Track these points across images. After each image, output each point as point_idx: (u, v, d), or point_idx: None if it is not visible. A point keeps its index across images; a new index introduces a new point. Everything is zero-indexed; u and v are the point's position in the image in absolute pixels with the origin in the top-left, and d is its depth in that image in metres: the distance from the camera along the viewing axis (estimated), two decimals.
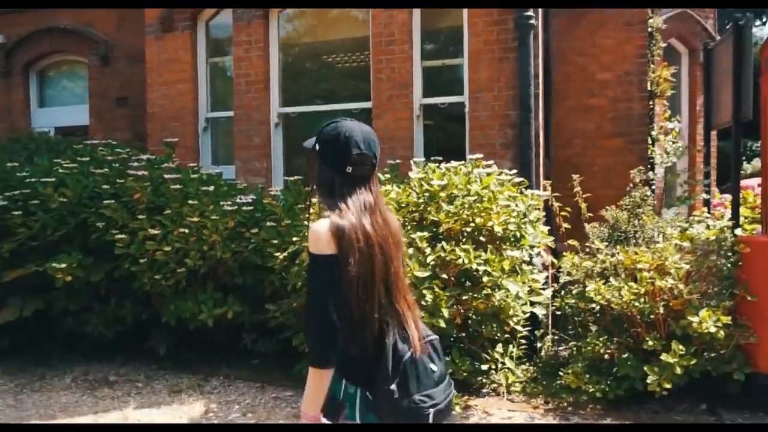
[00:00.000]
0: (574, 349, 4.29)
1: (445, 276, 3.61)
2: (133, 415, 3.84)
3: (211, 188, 4.33)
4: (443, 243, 3.57)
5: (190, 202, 4.17)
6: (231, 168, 5.83)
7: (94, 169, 4.67)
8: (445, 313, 3.47)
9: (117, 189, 4.46)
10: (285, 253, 4.01)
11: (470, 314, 3.83)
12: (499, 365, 4.12)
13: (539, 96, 4.85)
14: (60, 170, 4.56)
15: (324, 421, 1.64)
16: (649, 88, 5.59)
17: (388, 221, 1.74)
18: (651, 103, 5.62)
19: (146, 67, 6.18)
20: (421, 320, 1.80)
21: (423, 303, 3.50)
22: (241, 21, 5.63)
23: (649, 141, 5.63)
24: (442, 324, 3.48)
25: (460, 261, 3.56)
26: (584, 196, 4.75)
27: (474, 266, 3.54)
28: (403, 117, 5.16)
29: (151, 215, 4.30)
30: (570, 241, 4.57)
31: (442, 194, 3.79)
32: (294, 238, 3.97)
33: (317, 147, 1.69)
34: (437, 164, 4.15)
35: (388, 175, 4.24)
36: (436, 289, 3.50)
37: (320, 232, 1.60)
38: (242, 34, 5.64)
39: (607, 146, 5.65)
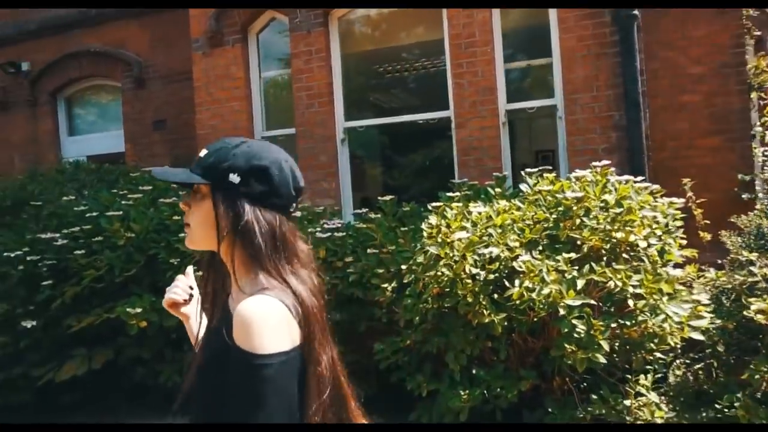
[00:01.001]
0: (711, 375, 3.81)
1: (593, 302, 3.12)
2: None
3: (297, 214, 3.84)
4: (592, 264, 3.08)
5: None
6: None
7: (157, 198, 4.20)
8: (605, 345, 2.97)
9: None
10: (393, 284, 3.53)
11: (615, 344, 3.34)
12: (633, 398, 3.62)
13: (646, 93, 4.39)
14: (123, 202, 4.08)
15: None
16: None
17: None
18: (750, 96, 5.16)
19: (194, 86, 5.73)
20: None
21: (575, 335, 3.01)
22: (299, 30, 5.19)
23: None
24: (601, 359, 2.98)
25: (611, 284, 3.07)
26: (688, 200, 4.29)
27: (630, 289, 3.05)
28: (489, 125, 4.69)
29: None
30: (686, 252, 4.09)
31: (577, 208, 3.31)
32: (402, 266, 3.48)
33: (236, 178, 1.12)
34: (554, 175, 3.68)
35: (498, 189, 3.76)
36: (591, 319, 3.01)
37: (273, 317, 1.03)
38: (301, 44, 5.19)
39: (705, 146, 5.17)
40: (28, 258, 3.96)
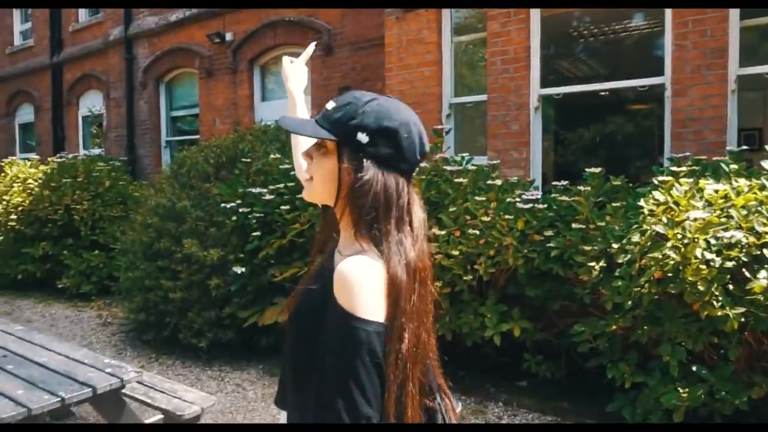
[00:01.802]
0: None
1: None
2: None
3: (498, 182, 3.70)
4: None
5: (477, 198, 3.58)
6: (478, 159, 5.21)
7: None
8: None
9: None
10: (602, 263, 3.25)
11: None
12: None
13: None
14: None
15: None
16: None
17: None
18: None
19: (385, 51, 5.77)
20: None
21: None
22: None
23: None
24: None
25: None
26: None
27: None
28: (714, 92, 4.11)
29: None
30: None
31: None
32: (614, 245, 3.19)
33: (365, 137, 1.07)
34: None
35: (734, 166, 3.26)
36: None
37: (373, 281, 1.01)
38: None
39: None
40: (240, 210, 4.30)
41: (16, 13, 13.98)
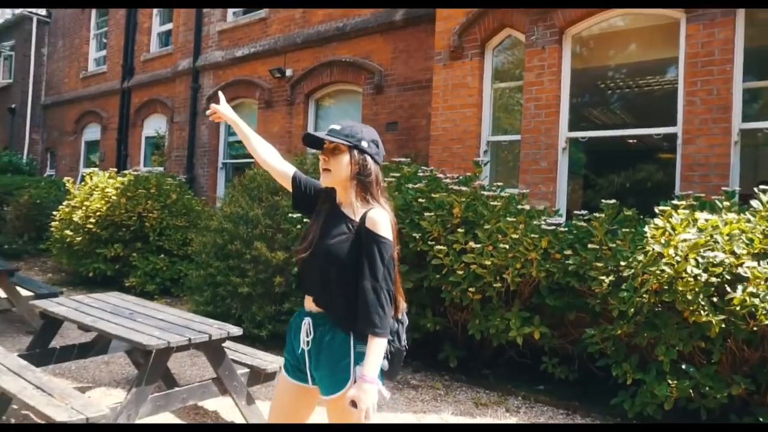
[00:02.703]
0: None
1: None
2: (451, 420, 3.96)
3: (527, 207, 4.38)
4: None
5: (508, 218, 4.26)
6: (509, 191, 5.89)
7: (402, 184, 5.04)
8: None
9: (429, 203, 4.74)
10: (611, 277, 3.88)
11: None
12: None
13: None
14: None
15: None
16: None
17: None
18: None
19: (432, 93, 6.57)
20: None
21: None
22: (534, 47, 5.72)
23: None
24: None
25: None
26: None
27: None
28: (719, 143, 4.75)
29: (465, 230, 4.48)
30: None
31: None
32: (621, 263, 3.82)
33: (366, 144, 1.94)
34: None
35: (726, 203, 3.90)
36: None
37: (387, 222, 1.90)
38: (535, 59, 5.72)
39: None
40: (305, 219, 5.06)
41: (93, 42, 15.40)
